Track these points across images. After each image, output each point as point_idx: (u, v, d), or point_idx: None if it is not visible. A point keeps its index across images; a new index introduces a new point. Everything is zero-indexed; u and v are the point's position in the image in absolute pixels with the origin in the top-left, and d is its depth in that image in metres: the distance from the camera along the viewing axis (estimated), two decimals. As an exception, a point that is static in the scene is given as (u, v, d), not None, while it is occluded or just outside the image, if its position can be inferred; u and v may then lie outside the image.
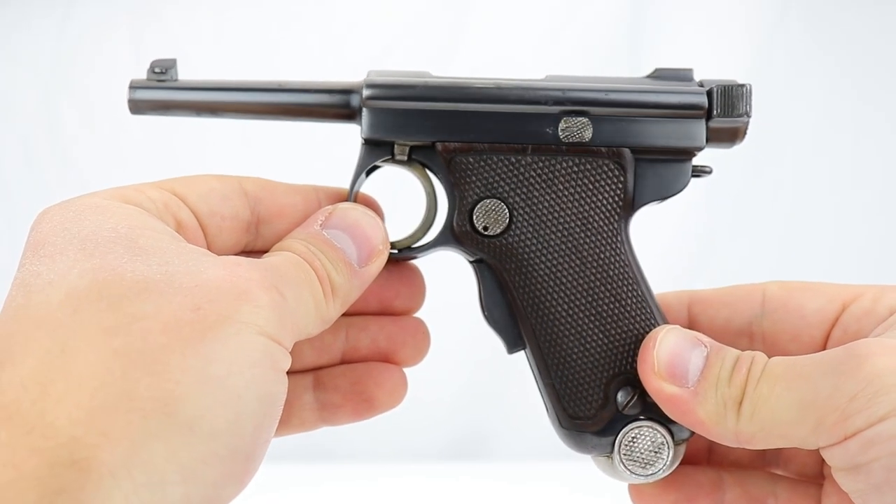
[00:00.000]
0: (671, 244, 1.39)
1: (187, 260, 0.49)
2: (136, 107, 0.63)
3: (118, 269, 0.47)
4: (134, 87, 0.63)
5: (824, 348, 0.58)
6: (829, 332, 0.58)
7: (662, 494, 0.61)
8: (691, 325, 0.62)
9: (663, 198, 0.61)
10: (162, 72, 0.63)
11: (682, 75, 0.61)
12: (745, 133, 0.60)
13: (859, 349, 0.49)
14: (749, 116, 0.59)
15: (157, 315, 0.46)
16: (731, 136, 0.60)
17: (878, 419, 0.46)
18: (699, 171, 0.61)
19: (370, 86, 0.60)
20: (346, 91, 0.61)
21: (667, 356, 0.55)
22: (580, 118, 0.59)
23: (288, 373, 0.51)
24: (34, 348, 0.44)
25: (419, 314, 0.66)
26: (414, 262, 0.65)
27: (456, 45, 1.38)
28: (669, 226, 1.39)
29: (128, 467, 0.42)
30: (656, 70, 0.62)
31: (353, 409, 0.63)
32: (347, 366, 0.64)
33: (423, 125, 0.60)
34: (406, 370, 0.65)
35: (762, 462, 0.63)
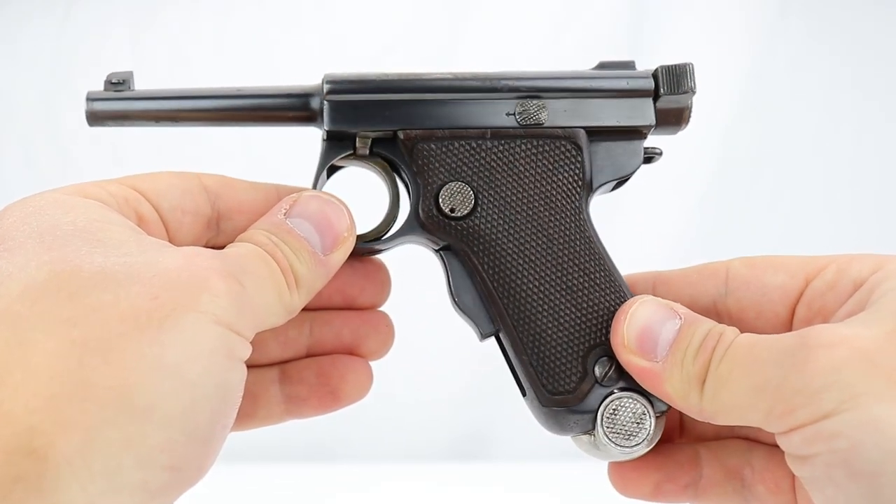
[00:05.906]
0: (671, 242, 1.39)
1: (146, 250, 0.49)
2: (95, 117, 0.63)
3: (76, 261, 0.47)
4: (91, 98, 0.63)
5: (791, 324, 0.58)
6: (793, 307, 0.58)
7: (643, 477, 0.60)
8: None
9: (619, 179, 0.63)
10: (119, 83, 0.64)
11: (626, 65, 0.65)
12: (689, 116, 0.63)
13: (810, 339, 0.49)
14: (694, 92, 0.62)
15: (115, 304, 0.46)
16: (677, 117, 0.63)
17: (821, 416, 0.46)
18: (650, 155, 0.64)
19: (330, 81, 0.62)
20: (305, 94, 0.63)
21: (636, 330, 0.56)
22: (535, 101, 0.62)
23: (253, 366, 0.52)
24: None
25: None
26: (381, 258, 0.66)
27: (456, 45, 1.38)
28: (669, 225, 1.39)
29: (84, 455, 0.43)
30: (600, 63, 0.65)
31: (319, 401, 0.64)
32: (313, 359, 0.65)
33: (384, 115, 0.62)
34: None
35: (734, 429, 0.63)
